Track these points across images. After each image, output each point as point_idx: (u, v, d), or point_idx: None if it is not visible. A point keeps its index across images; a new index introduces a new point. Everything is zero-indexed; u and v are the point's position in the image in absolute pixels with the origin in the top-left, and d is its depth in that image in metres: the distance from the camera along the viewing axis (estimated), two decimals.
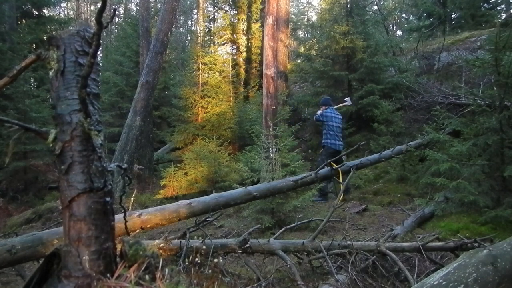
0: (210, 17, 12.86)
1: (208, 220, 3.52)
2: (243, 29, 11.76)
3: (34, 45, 11.06)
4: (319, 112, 6.45)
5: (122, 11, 25.03)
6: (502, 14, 12.82)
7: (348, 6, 9.40)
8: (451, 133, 5.50)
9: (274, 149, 4.93)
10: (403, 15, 19.30)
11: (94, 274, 1.10)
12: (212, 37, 11.90)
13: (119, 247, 1.22)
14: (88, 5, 27.40)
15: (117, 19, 20.78)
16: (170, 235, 3.41)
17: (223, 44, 11.82)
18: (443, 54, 9.30)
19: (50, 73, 1.17)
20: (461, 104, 6.73)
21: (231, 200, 3.84)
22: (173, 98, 11.05)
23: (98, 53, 1.23)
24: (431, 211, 4.52)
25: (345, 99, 7.08)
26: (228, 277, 2.82)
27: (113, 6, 19.50)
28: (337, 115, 6.38)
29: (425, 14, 12.65)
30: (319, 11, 14.58)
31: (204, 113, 9.31)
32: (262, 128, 6.44)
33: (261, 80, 9.11)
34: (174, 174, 7.20)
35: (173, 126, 10.12)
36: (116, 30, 21.91)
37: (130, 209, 3.26)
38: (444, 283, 1.68)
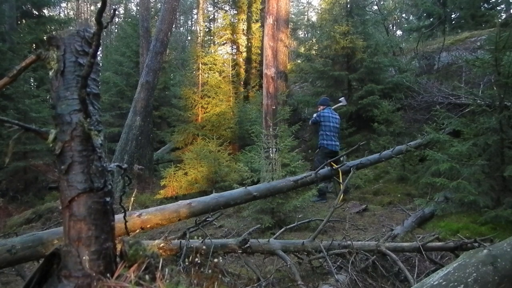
0: (210, 17, 12.85)
1: (208, 220, 3.52)
2: (243, 29, 11.75)
3: (34, 45, 11.05)
4: (315, 114, 6.44)
5: (122, 11, 25.04)
6: (502, 14, 12.83)
7: (348, 6, 9.41)
8: (451, 133, 5.50)
9: (274, 149, 4.93)
10: (403, 15, 19.30)
11: (94, 274, 1.10)
12: (212, 37, 11.89)
13: (119, 247, 1.22)
14: (88, 5, 27.40)
15: (117, 19, 20.79)
16: (170, 235, 3.41)
17: (223, 44, 11.81)
18: (443, 54, 9.30)
19: (50, 73, 1.17)
20: (461, 104, 6.73)
21: (231, 200, 3.83)
22: (173, 98, 11.05)
23: (98, 53, 1.23)
24: (431, 211, 4.52)
25: (340, 99, 7.05)
26: (228, 277, 2.82)
27: (113, 6, 19.50)
28: (334, 116, 6.37)
29: (425, 14, 12.65)
30: (319, 11, 14.59)
31: (204, 113, 9.31)
32: (262, 128, 6.43)
33: (261, 80, 9.11)
34: (174, 174, 7.20)
35: (173, 126, 10.12)
36: (116, 30, 21.91)
37: (130, 209, 3.26)
38: (444, 283, 1.68)
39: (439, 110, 5.37)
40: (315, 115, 6.46)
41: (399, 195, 5.93)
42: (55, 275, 1.14)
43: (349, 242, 3.04)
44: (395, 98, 8.13)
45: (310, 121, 6.49)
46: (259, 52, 11.42)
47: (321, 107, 6.45)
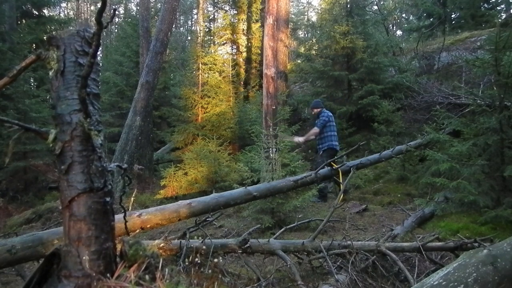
0: (210, 17, 12.84)
1: (208, 220, 3.52)
2: (243, 29, 11.75)
3: (34, 45, 11.05)
4: (323, 117, 6.15)
5: (122, 11, 25.04)
6: (502, 14, 12.83)
7: (348, 6, 9.41)
8: (451, 133, 5.49)
9: (274, 149, 4.93)
10: (403, 15, 19.31)
11: (94, 274, 1.10)
12: (212, 37, 11.89)
13: (119, 247, 1.22)
14: (88, 5, 27.40)
15: (117, 19, 20.78)
16: (170, 235, 3.41)
17: (223, 44, 11.81)
18: (443, 54, 9.30)
19: (50, 73, 1.17)
20: (461, 104, 6.73)
21: (231, 200, 3.83)
22: (173, 98, 11.05)
23: (98, 53, 1.23)
24: (431, 211, 4.52)
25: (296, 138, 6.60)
26: (228, 277, 2.82)
27: (113, 6, 19.51)
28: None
29: (425, 14, 12.66)
30: (319, 11, 14.59)
31: (204, 113, 9.30)
32: (262, 128, 6.42)
33: (261, 80, 9.11)
34: (174, 174, 7.20)
35: (173, 126, 10.12)
36: (116, 30, 21.91)
37: (130, 209, 3.26)
38: (444, 283, 1.68)
39: (439, 110, 5.37)
40: (320, 119, 6.16)
41: (399, 195, 5.92)
42: (55, 275, 1.14)
43: (349, 242, 3.04)
44: (395, 98, 8.13)
45: (319, 125, 6.13)
46: (259, 52, 11.42)
47: (316, 109, 6.35)
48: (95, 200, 1.14)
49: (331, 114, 6.24)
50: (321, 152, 6.17)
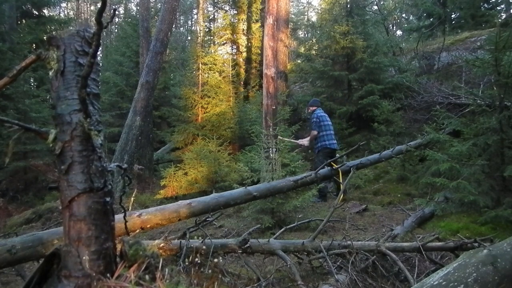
0: (210, 17, 12.84)
1: (208, 220, 3.52)
2: (243, 29, 11.75)
3: (34, 45, 11.05)
4: (314, 119, 6.23)
5: (122, 11, 25.03)
6: (502, 14, 12.84)
7: (348, 6, 9.41)
8: (451, 133, 5.50)
9: (274, 149, 4.93)
10: (403, 15, 19.31)
11: (94, 274, 1.10)
12: (212, 37, 11.89)
13: (119, 247, 1.22)
14: (88, 5, 27.39)
15: (117, 19, 20.77)
16: (170, 235, 3.41)
17: (223, 44, 11.80)
18: (443, 54, 9.30)
19: (50, 73, 1.17)
20: (461, 104, 6.73)
21: (231, 200, 3.83)
22: (173, 98, 11.05)
23: (98, 53, 1.23)
24: (431, 211, 4.53)
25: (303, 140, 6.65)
26: (228, 277, 2.82)
27: (113, 6, 19.51)
28: (326, 114, 6.34)
29: (425, 14, 12.66)
30: (319, 11, 14.57)
31: (204, 113, 9.30)
32: (262, 128, 6.42)
33: (261, 80, 9.11)
34: (174, 174, 7.20)
35: (173, 126, 10.12)
36: (116, 30, 21.90)
37: (130, 209, 3.26)
38: (444, 283, 1.68)
39: (439, 110, 5.37)
40: (314, 119, 6.25)
41: (399, 195, 5.93)
42: (55, 275, 1.14)
43: (349, 242, 3.04)
44: (395, 98, 8.13)
45: (312, 127, 6.21)
46: (259, 52, 11.42)
47: (311, 108, 6.37)
48: (95, 200, 1.14)
49: (322, 114, 6.25)
50: (316, 152, 6.23)
